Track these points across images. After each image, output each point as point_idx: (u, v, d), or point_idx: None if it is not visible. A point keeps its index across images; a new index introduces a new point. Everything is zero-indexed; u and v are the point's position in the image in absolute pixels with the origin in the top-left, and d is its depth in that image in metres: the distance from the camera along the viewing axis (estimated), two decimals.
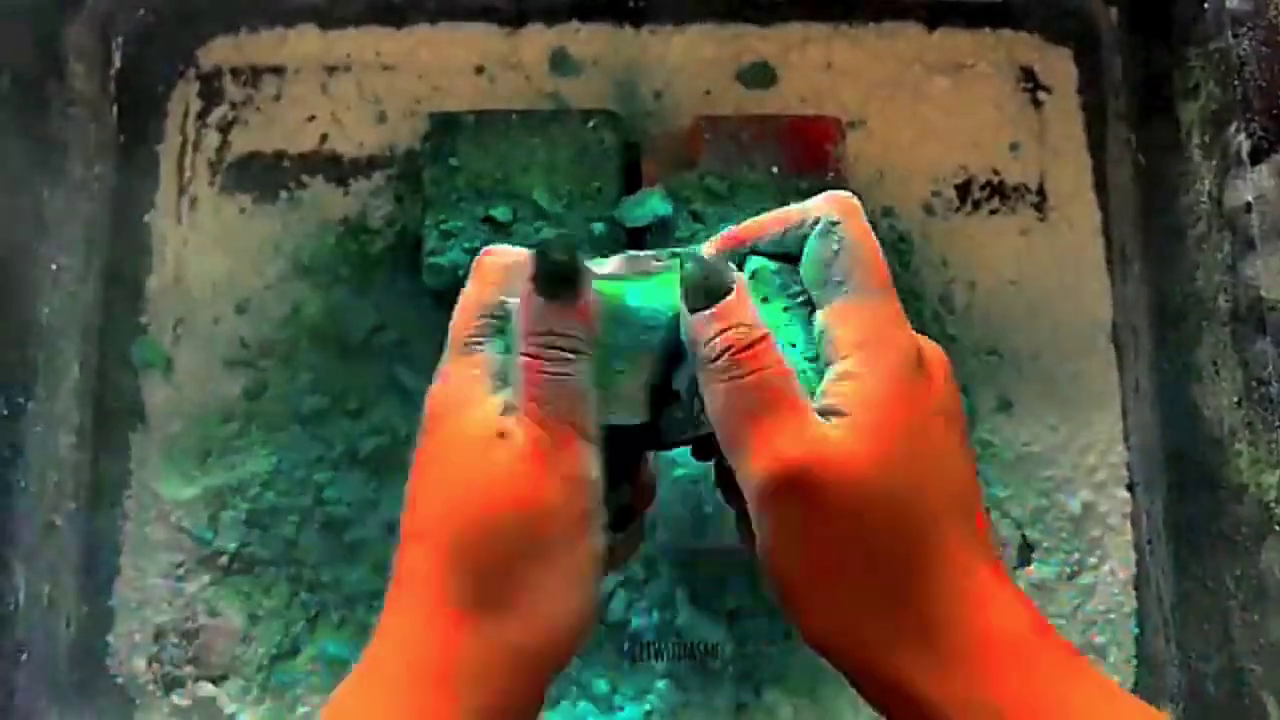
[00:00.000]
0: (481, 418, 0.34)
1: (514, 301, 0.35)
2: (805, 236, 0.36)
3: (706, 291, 0.34)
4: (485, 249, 0.37)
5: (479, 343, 0.35)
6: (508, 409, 0.34)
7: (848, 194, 0.36)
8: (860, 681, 0.34)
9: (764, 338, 0.33)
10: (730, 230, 0.38)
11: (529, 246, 0.35)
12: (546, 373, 0.34)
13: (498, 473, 0.33)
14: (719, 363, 0.33)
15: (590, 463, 0.34)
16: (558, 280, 0.34)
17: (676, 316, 0.36)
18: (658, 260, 0.38)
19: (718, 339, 0.33)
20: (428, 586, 0.33)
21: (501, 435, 0.33)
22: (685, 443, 0.38)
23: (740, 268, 0.37)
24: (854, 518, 0.32)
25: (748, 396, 0.33)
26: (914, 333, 0.35)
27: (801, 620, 0.34)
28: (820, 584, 0.33)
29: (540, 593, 0.33)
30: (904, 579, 0.32)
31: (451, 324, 0.36)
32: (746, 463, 0.33)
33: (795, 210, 0.36)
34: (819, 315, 0.35)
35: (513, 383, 0.34)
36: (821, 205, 0.36)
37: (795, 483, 0.32)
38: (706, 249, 0.38)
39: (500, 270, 0.36)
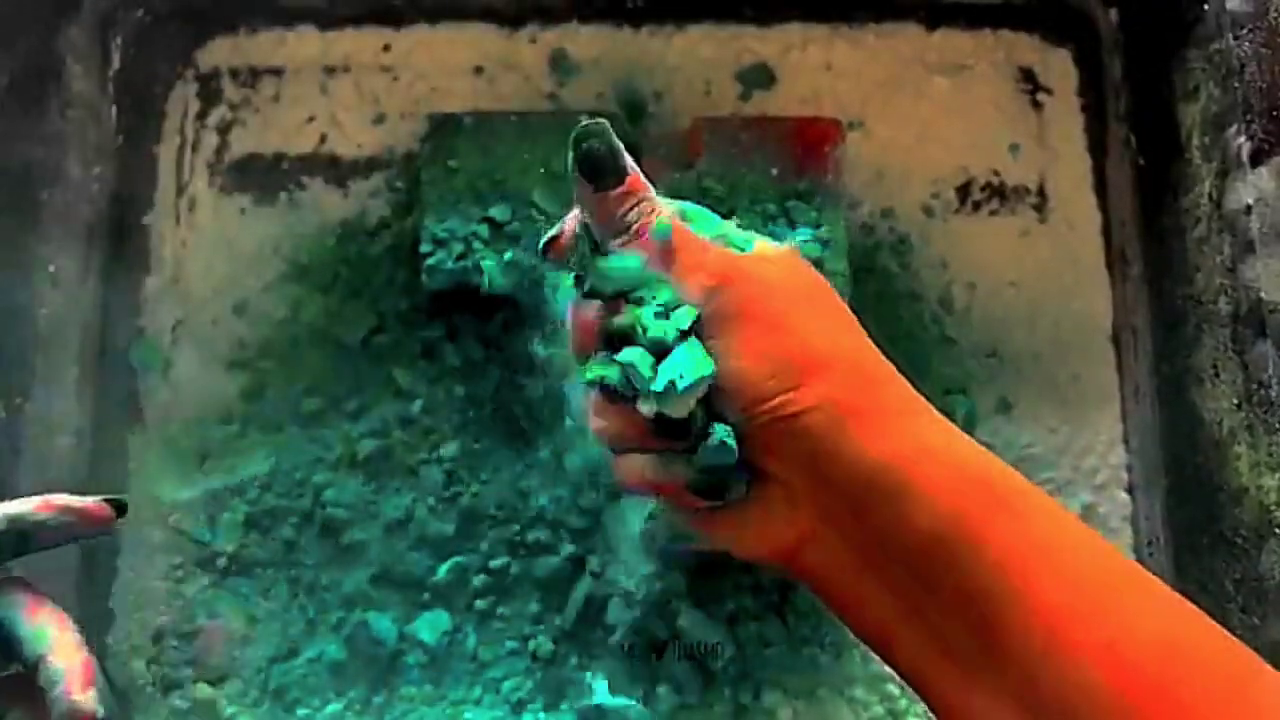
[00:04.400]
0: None
1: None
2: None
3: (613, 169, 0.36)
4: None
5: None
6: None
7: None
8: (831, 463, 0.35)
9: (663, 211, 0.37)
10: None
11: None
12: None
13: None
14: (629, 235, 0.36)
15: None
16: None
17: None
18: None
19: (628, 213, 0.36)
20: None
21: None
22: None
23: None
24: (784, 293, 0.36)
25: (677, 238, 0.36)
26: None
27: (764, 408, 0.35)
28: (767, 364, 0.35)
29: None
30: (834, 337, 0.36)
31: None
32: (683, 290, 0.36)
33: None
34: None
35: None
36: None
37: (728, 277, 0.35)
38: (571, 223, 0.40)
39: None
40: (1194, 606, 0.33)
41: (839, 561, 0.36)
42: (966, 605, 0.33)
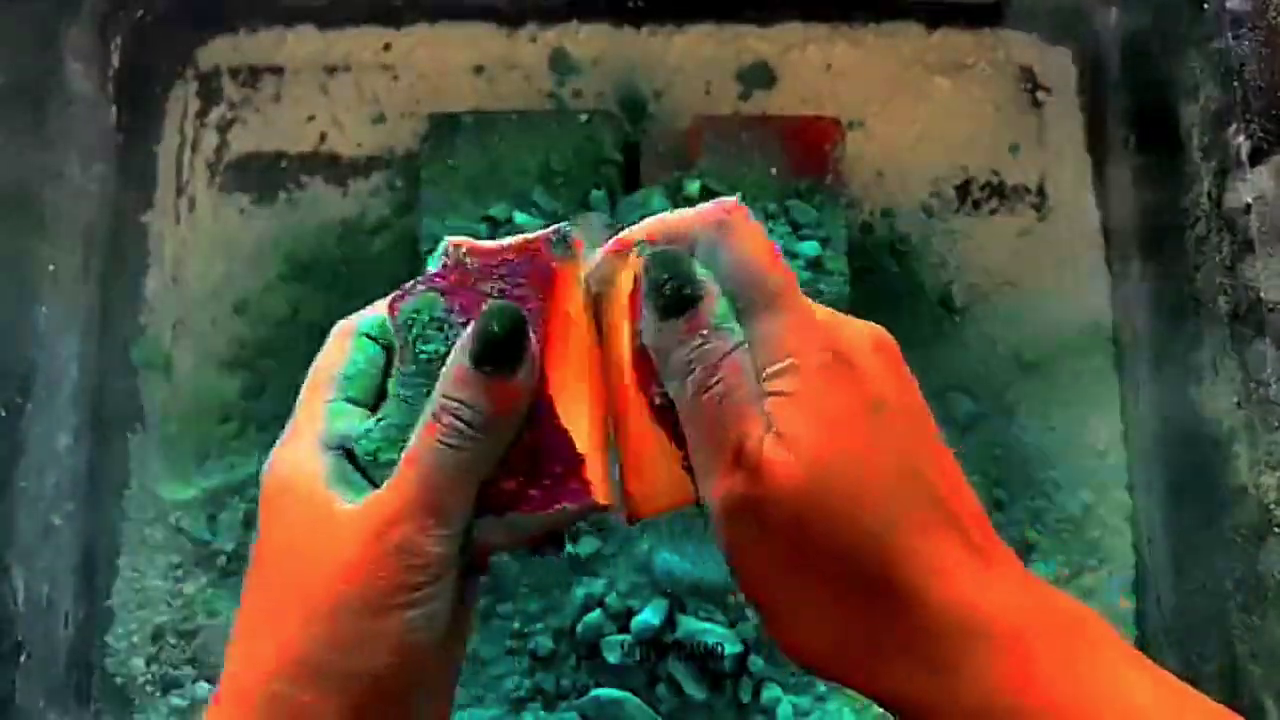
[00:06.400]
0: (310, 493, 0.32)
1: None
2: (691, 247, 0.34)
3: (677, 299, 0.32)
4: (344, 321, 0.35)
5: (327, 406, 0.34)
6: (345, 479, 0.32)
7: (725, 203, 0.34)
8: (866, 696, 0.33)
9: (732, 350, 0.32)
10: (621, 234, 0.35)
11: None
12: (441, 442, 0.31)
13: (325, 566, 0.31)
14: (690, 378, 0.32)
15: (439, 550, 0.31)
16: (493, 354, 0.31)
17: None
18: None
19: (690, 353, 0.32)
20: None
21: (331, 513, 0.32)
22: None
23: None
24: (797, 534, 0.31)
25: (712, 415, 0.32)
26: (826, 329, 0.32)
27: (782, 640, 0.33)
28: (788, 605, 0.32)
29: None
30: (874, 588, 0.31)
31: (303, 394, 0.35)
32: (705, 486, 0.32)
33: (676, 221, 0.34)
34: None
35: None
36: (697, 221, 0.34)
37: (740, 507, 0.31)
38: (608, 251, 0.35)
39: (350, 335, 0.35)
40: None
41: None
42: None
